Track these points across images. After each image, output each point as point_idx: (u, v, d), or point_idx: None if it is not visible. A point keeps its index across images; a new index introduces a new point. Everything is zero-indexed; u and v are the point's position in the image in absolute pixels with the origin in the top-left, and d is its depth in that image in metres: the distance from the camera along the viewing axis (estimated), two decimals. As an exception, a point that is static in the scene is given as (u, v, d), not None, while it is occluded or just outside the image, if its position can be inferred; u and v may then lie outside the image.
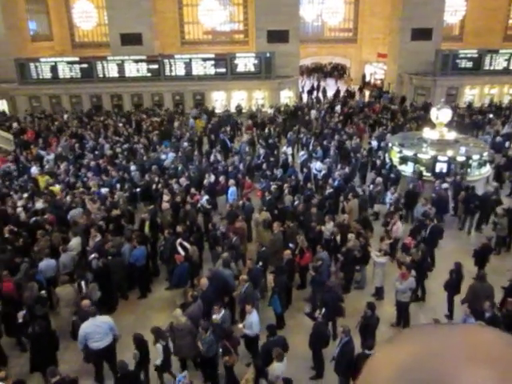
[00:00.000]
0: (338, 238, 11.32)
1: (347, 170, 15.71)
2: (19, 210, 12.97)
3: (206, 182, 14.84)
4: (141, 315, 10.20)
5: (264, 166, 16.21)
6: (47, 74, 27.96)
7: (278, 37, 28.06)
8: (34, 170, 17.29)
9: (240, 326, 8.38)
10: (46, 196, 13.95)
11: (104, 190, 14.41)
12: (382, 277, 10.45)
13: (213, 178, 14.97)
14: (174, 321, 8.04)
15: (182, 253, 10.42)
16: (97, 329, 7.88)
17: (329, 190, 14.14)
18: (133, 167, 16.56)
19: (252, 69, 27.40)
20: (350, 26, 37.84)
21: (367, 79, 36.95)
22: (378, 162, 16.56)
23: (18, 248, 10.96)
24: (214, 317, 8.10)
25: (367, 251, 10.70)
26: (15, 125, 24.21)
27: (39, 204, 13.37)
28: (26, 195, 14.41)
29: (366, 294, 10.56)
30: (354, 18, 37.34)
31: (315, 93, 33.72)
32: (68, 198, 13.66)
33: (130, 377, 7.23)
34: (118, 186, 14.83)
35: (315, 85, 36.29)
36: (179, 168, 16.47)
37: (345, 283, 10.60)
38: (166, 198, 13.67)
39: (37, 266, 10.26)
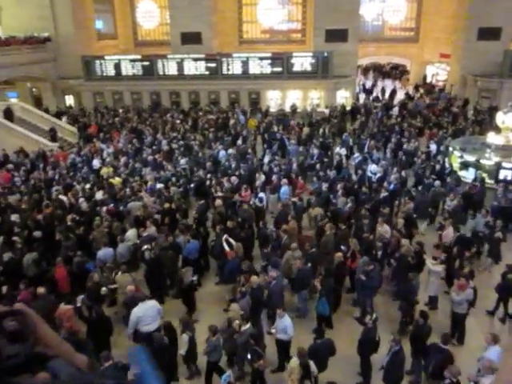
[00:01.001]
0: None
1: (403, 173, 15.23)
2: (81, 200, 13.62)
3: (258, 181, 14.94)
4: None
5: (317, 166, 16.07)
6: (111, 71, 29.24)
7: (336, 36, 27.71)
8: (96, 162, 18.16)
9: (272, 330, 8.35)
10: (106, 188, 14.63)
11: (159, 185, 14.85)
12: (437, 286, 10.06)
13: (263, 177, 14.97)
14: (230, 315, 8.15)
15: (227, 248, 10.56)
16: (147, 312, 8.18)
17: (383, 194, 13.78)
18: (182, 160, 17.06)
19: (308, 68, 27.21)
20: (411, 25, 36.61)
21: (428, 80, 35.63)
22: (438, 166, 15.92)
23: (78, 236, 11.57)
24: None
25: (422, 258, 10.33)
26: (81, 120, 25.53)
27: (99, 195, 13.99)
28: (87, 186, 15.18)
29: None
30: (416, 17, 36.09)
31: (374, 93, 33.00)
32: (127, 191, 14.18)
33: (165, 350, 7.43)
34: (173, 179, 15.33)
35: (370, 84, 35.52)
36: (232, 166, 16.70)
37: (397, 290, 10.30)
38: (218, 194, 13.89)
39: (94, 253, 10.81)
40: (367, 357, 7.99)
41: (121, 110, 27.05)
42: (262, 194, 13.98)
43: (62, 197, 14.11)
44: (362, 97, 31.86)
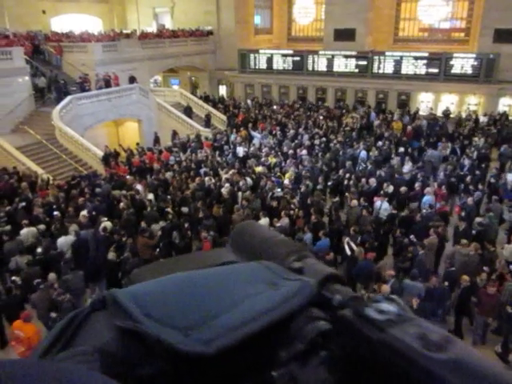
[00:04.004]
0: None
1: None
2: (227, 185, 14.56)
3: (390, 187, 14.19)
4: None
5: (468, 179, 14.75)
6: (263, 65, 30.57)
7: (506, 36, 24.87)
8: (240, 150, 19.24)
9: None
10: (248, 175, 15.47)
11: (287, 181, 15.08)
12: None
13: (391, 188, 14.11)
14: None
15: (348, 252, 10.35)
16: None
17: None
18: (303, 152, 17.31)
19: (469, 71, 24.99)
20: None
21: None
22: None
23: (218, 219, 12.47)
24: None
25: None
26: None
27: (242, 182, 14.82)
28: (231, 172, 16.17)
29: None
30: None
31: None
32: (269, 183, 14.71)
33: None
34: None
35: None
36: (369, 167, 16.27)
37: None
38: (353, 195, 13.66)
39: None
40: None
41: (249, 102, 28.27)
42: (384, 204, 13.16)
43: (207, 178, 15.30)
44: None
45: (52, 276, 8.96)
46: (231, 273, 0.70)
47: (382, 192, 13.72)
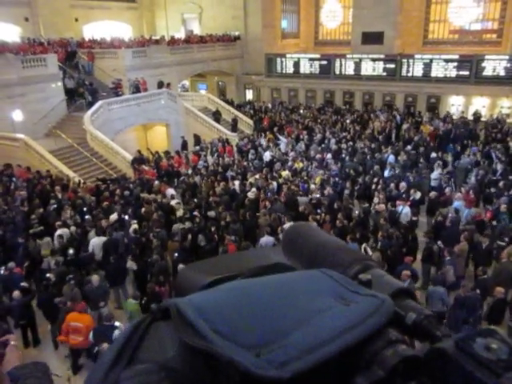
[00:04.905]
0: None
1: None
2: (253, 189, 14.61)
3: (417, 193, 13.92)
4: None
5: (501, 184, 14.34)
6: (290, 69, 30.60)
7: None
8: (267, 154, 19.27)
9: None
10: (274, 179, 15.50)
11: (313, 186, 14.97)
12: None
13: (418, 194, 13.79)
14: None
15: None
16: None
17: None
18: (328, 156, 17.60)
19: (502, 73, 24.35)
20: None
21: None
22: None
23: (244, 222, 12.51)
24: None
25: None
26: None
27: (272, 186, 14.86)
28: (257, 176, 16.21)
29: None
30: None
31: None
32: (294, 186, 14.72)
33: None
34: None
35: None
36: (397, 171, 16.03)
37: None
38: (378, 199, 13.50)
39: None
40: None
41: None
42: (405, 209, 12.82)
43: (235, 182, 15.39)
44: None
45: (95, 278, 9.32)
46: (293, 281, 0.65)
47: (403, 196, 13.54)
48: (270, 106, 29.07)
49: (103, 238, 11.03)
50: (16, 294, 8.79)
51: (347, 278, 0.66)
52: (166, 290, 9.55)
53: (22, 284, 9.40)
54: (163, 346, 0.54)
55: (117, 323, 8.00)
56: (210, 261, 0.94)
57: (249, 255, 0.98)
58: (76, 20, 31.30)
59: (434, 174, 15.72)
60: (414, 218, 12.58)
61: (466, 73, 25.22)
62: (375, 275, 0.68)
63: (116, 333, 7.65)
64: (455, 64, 25.51)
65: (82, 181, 16.84)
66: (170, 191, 14.81)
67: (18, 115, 19.37)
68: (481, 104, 25.19)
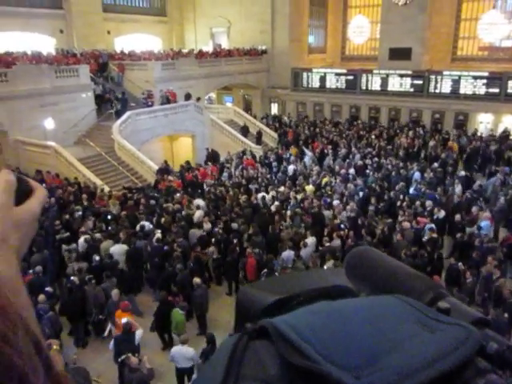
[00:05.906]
0: None
1: None
2: (276, 203, 14.59)
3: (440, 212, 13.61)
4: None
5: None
6: (316, 84, 30.68)
7: None
8: (291, 168, 19.27)
9: None
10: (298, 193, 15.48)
11: (336, 202, 14.79)
12: None
13: (442, 213, 13.47)
14: None
15: None
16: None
17: None
18: (351, 171, 17.42)
19: (533, 91, 23.87)
20: None
21: None
22: None
23: (266, 235, 12.49)
24: None
25: None
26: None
27: (295, 200, 14.84)
28: (281, 189, 16.21)
29: None
30: None
31: None
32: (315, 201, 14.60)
33: None
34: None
35: None
36: (422, 189, 15.79)
37: None
38: (403, 217, 13.30)
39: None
40: None
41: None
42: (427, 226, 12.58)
43: (259, 195, 15.43)
44: None
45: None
46: (375, 306, 0.64)
47: (426, 213, 13.32)
48: (293, 119, 29.17)
49: (124, 246, 11.19)
50: (41, 297, 8.95)
51: (423, 305, 0.65)
52: (179, 299, 9.62)
53: (47, 289, 9.58)
54: (263, 364, 0.55)
55: (138, 331, 8.09)
56: (269, 280, 0.95)
57: (308, 276, 0.98)
58: (108, 32, 32.23)
59: (457, 191, 15.46)
60: (434, 235, 12.32)
61: (496, 90, 24.81)
62: (451, 303, 0.67)
63: (137, 338, 7.77)
64: (484, 81, 25.14)
65: (109, 189, 17.15)
66: (198, 201, 14.82)
67: (49, 123, 19.94)
68: (510, 122, 24.67)
